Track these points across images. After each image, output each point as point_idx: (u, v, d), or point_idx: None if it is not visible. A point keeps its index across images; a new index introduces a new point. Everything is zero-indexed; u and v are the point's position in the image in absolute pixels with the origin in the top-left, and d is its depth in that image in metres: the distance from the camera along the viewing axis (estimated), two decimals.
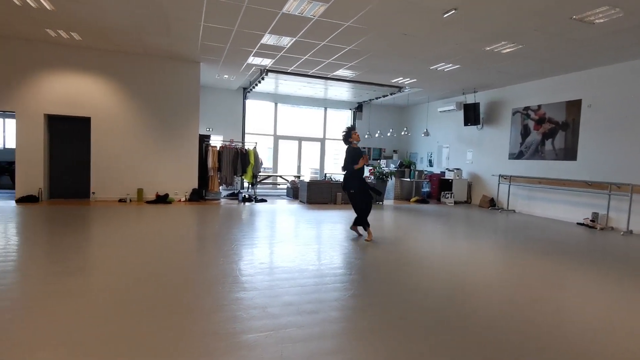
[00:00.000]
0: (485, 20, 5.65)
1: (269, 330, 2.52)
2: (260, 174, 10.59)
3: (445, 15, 5.46)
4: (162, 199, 8.73)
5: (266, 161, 12.86)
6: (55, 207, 7.38)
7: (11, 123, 10.83)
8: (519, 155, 9.72)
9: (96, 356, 2.12)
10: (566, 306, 3.22)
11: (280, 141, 13.55)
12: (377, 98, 12.71)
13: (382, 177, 10.62)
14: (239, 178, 10.54)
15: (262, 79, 9.89)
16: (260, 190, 11.36)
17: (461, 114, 11.17)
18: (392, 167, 12.37)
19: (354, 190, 5.65)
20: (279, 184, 13.36)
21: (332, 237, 5.75)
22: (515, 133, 9.85)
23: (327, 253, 4.73)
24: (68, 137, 8.57)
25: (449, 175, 11.36)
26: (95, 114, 8.44)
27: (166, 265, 3.90)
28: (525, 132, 9.55)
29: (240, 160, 9.73)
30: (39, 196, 8.05)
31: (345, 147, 5.81)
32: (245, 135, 12.67)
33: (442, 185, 11.55)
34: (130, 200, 8.64)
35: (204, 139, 9.66)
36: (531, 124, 9.38)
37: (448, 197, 11.04)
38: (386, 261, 4.42)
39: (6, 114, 10.70)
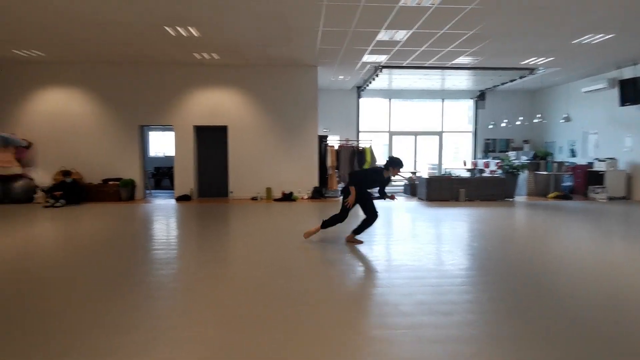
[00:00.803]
0: None
1: (404, 328, 2.49)
2: None
3: None
4: (287, 197, 9.44)
5: (381, 158, 12.81)
6: (203, 205, 8.64)
7: (168, 135, 13.09)
8: None
9: (243, 336, 2.40)
10: None
11: (395, 137, 13.34)
12: (502, 84, 11.48)
13: (511, 171, 9.57)
14: None
15: (377, 75, 9.87)
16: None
17: (615, 92, 9.31)
18: (524, 159, 11.03)
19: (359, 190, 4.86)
20: (394, 181, 13.17)
21: (458, 235, 5.41)
22: None
23: (455, 252, 4.46)
24: (210, 144, 9.93)
25: (598, 167, 9.60)
26: (231, 123, 9.60)
27: (298, 258, 4.19)
28: None
29: (356, 159, 9.91)
30: (191, 195, 9.54)
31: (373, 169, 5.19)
32: (360, 134, 12.84)
33: (589, 178, 9.82)
34: (261, 199, 9.58)
35: (322, 140, 10.12)
36: None
37: (598, 192, 9.34)
38: (524, 265, 3.95)
39: (165, 127, 12.96)
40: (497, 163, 10.81)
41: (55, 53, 8.22)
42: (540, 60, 8.74)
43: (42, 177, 9.01)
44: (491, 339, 2.34)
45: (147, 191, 10.32)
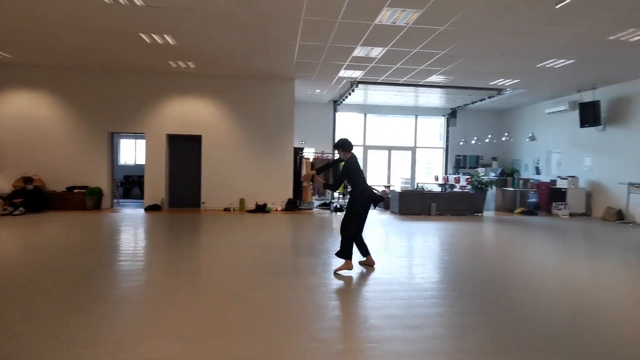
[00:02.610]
0: (606, 7, 4.95)
1: (373, 342, 2.49)
2: None
3: (558, 6, 4.92)
4: (261, 209, 9.34)
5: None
6: (173, 215, 8.41)
7: (140, 143, 12.75)
8: None
9: (207, 348, 2.32)
10: None
11: (370, 151, 13.54)
12: (472, 102, 11.94)
13: (480, 187, 9.89)
14: None
15: (352, 90, 10.04)
16: None
17: (576, 114, 9.88)
18: (492, 175, 11.44)
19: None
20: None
21: (429, 249, 5.51)
22: None
23: (426, 266, 4.53)
24: (183, 153, 9.73)
25: (561, 184, 10.08)
26: (205, 132, 9.46)
27: (270, 271, 4.13)
28: None
29: (332, 171, 9.95)
30: (161, 205, 9.26)
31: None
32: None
33: (553, 195, 10.28)
34: (234, 210, 9.42)
35: (297, 152, 10.14)
36: None
37: (561, 209, 9.78)
38: (492, 278, 4.06)
39: (137, 135, 12.63)
40: (467, 179, 11.15)
41: (23, 55, 7.89)
42: (508, 82, 9.17)
43: (1, 183, 8.52)
44: (462, 353, 2.37)
45: (115, 200, 9.95)
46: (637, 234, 7.26)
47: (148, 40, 6.71)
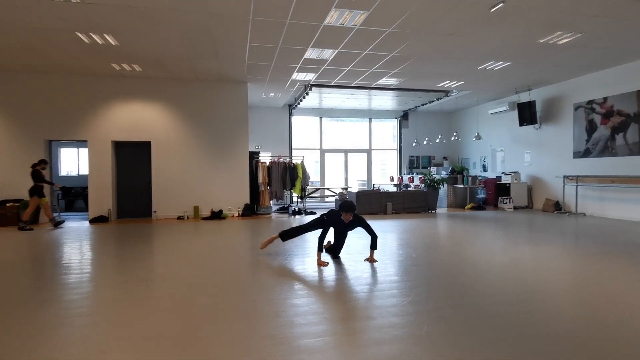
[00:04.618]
0: (536, 10, 5.35)
1: (328, 335, 2.46)
2: (308, 187, 10.69)
3: (492, 10, 5.25)
4: (217, 215, 9.07)
5: (313, 175, 12.98)
6: (122, 226, 7.94)
7: (83, 152, 11.96)
8: (585, 154, 8.95)
9: (162, 358, 2.19)
10: None
11: (327, 154, 13.65)
12: (423, 105, 12.43)
13: (432, 185, 10.26)
14: (289, 192, 10.72)
15: (307, 94, 10.08)
16: (309, 203, 11.45)
17: (515, 114, 10.58)
18: (443, 174, 11.93)
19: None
20: (327, 197, 13.40)
21: (385, 245, 5.60)
22: (579, 130, 9.11)
23: (382, 261, 4.59)
24: (131, 160, 9.25)
25: (505, 180, 10.71)
26: (155, 138, 9.06)
27: (224, 275, 3.99)
28: (590, 128, 8.80)
29: (288, 175, 9.91)
30: (108, 216, 8.72)
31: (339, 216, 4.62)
32: (292, 151, 12.93)
33: (498, 190, 10.91)
34: (188, 217, 9.08)
35: (253, 156, 9.98)
36: (597, 118, 8.63)
37: (506, 203, 10.38)
38: (445, 268, 4.20)
39: (79, 143, 11.85)
40: (420, 178, 11.54)
41: None
42: (453, 84, 9.63)
43: None
44: (413, 339, 2.40)
45: (56, 214, 9.21)
46: (573, 222, 7.85)
47: (87, 41, 6.33)
